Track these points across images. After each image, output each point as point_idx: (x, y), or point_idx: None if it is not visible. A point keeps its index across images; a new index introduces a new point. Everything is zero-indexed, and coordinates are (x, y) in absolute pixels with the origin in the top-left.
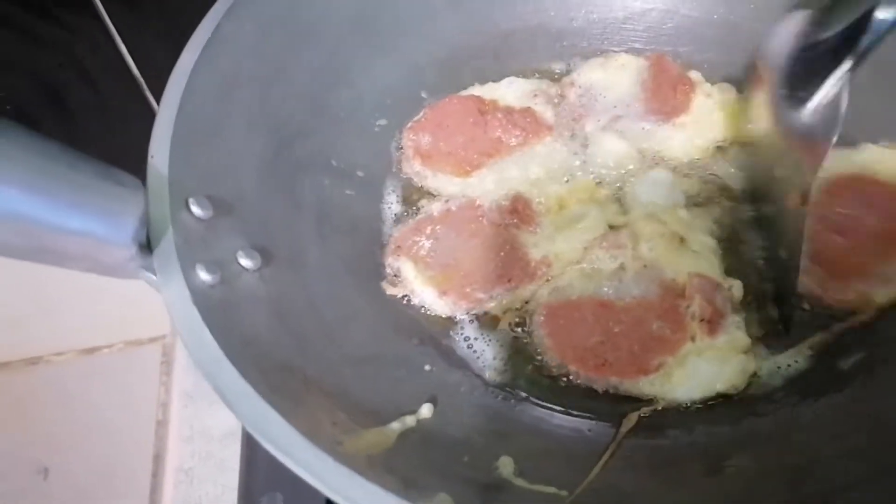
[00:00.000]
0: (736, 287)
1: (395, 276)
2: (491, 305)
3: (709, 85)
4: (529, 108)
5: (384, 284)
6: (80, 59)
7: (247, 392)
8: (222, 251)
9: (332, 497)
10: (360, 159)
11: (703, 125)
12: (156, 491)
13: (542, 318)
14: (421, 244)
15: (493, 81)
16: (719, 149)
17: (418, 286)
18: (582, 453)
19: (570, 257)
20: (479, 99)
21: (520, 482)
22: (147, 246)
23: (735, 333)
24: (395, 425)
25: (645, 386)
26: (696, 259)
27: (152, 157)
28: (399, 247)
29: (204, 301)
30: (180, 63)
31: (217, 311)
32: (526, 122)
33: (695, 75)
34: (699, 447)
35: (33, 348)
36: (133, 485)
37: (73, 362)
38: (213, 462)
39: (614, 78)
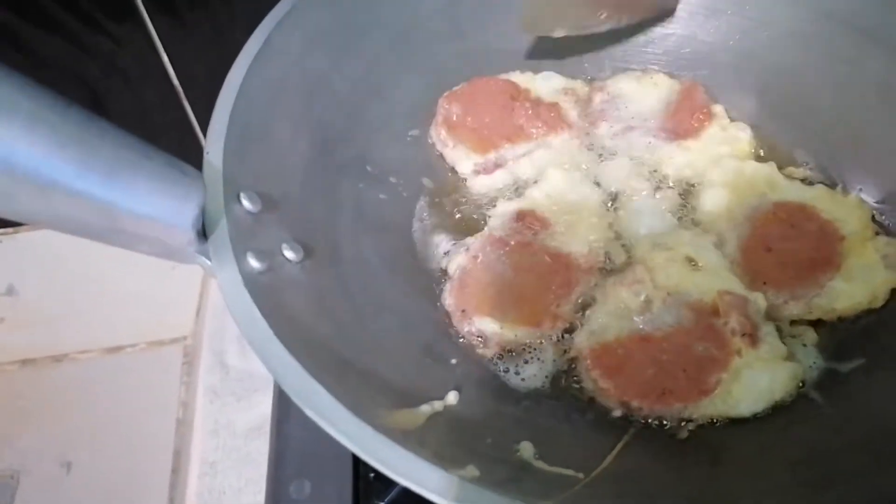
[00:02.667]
0: (759, 298)
1: (480, 337)
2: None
3: (728, 121)
4: (557, 103)
5: (479, 352)
6: (124, 68)
7: (294, 367)
8: (269, 242)
9: (375, 464)
10: (392, 166)
11: (707, 153)
12: (176, 486)
13: (588, 362)
14: (481, 297)
15: (532, 72)
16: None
17: (509, 332)
18: (599, 440)
19: (602, 242)
20: (514, 85)
21: (539, 464)
22: (203, 233)
23: (773, 342)
24: (426, 408)
25: (709, 407)
26: (714, 277)
27: (207, 153)
28: (465, 311)
29: (254, 286)
30: (234, 70)
31: (265, 296)
32: (549, 117)
33: (718, 109)
34: (707, 439)
35: (59, 346)
36: (153, 479)
37: (98, 360)
38: (237, 456)
39: (643, 92)
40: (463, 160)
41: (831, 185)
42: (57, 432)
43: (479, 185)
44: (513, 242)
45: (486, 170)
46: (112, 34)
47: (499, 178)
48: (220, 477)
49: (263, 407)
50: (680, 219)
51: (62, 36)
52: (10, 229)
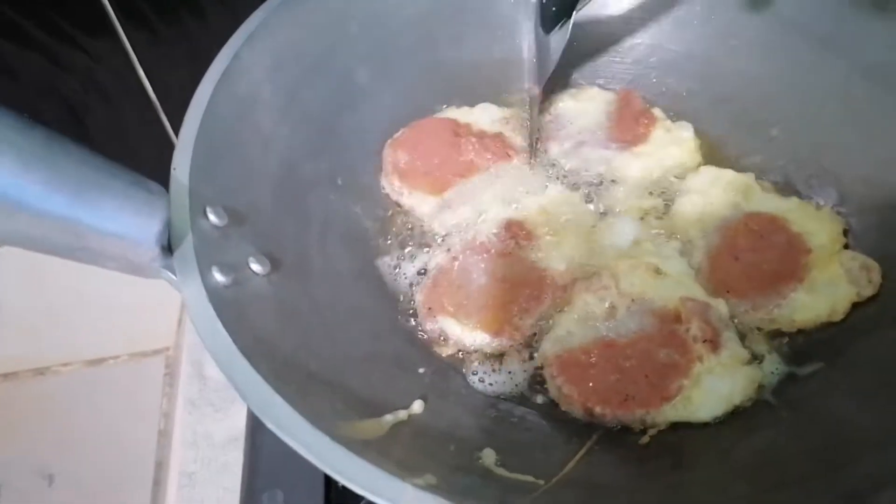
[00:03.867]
0: (721, 304)
1: (442, 336)
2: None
3: (669, 122)
4: (501, 133)
5: (436, 349)
6: (101, 84)
7: (256, 380)
8: (235, 256)
9: (330, 472)
10: (362, 178)
11: (659, 156)
12: (157, 497)
13: (553, 369)
14: (449, 298)
15: (468, 106)
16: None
17: (468, 336)
18: (562, 447)
19: (579, 258)
20: (454, 122)
21: (500, 471)
22: (168, 248)
23: (734, 347)
24: (389, 417)
25: (671, 413)
26: (677, 284)
27: (174, 168)
28: (430, 308)
29: (218, 300)
30: (202, 86)
31: (230, 309)
32: (496, 146)
33: (657, 112)
34: (668, 444)
35: (41, 359)
36: (135, 491)
37: (80, 373)
38: (215, 466)
39: (583, 108)
40: (421, 204)
41: (798, 194)
42: (39, 445)
43: (443, 222)
44: (493, 250)
45: (449, 207)
46: (88, 50)
47: (462, 213)
48: (198, 488)
49: (241, 417)
50: (651, 226)
51: (38, 52)
52: None
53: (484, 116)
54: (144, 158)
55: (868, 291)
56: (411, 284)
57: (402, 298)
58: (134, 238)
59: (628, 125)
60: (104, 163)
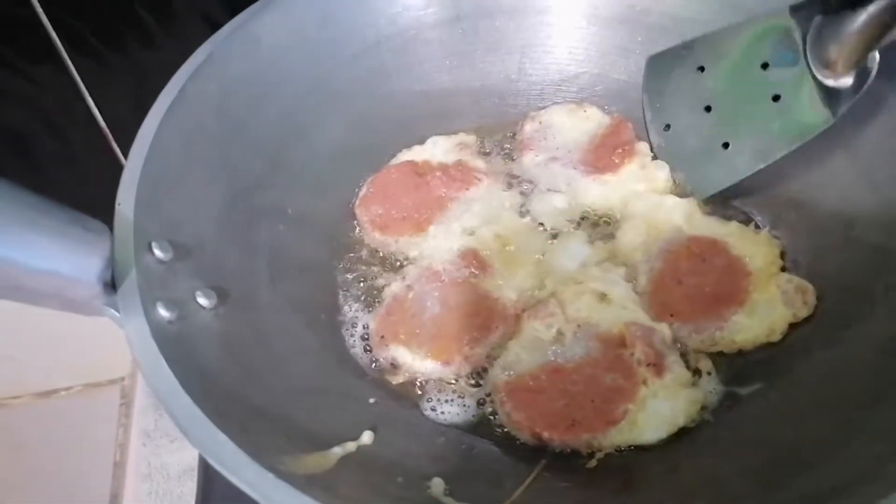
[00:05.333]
0: (664, 328)
1: (393, 365)
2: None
3: (649, 159)
4: (460, 160)
5: (387, 377)
6: (48, 112)
7: (199, 417)
8: (181, 291)
9: None
10: (314, 208)
11: (621, 188)
12: None
13: (502, 395)
14: (402, 326)
15: (419, 144)
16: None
17: (419, 364)
18: (508, 475)
19: (530, 286)
20: (412, 163)
21: (448, 500)
22: (112, 285)
23: (677, 370)
24: (337, 450)
25: (616, 436)
26: (622, 309)
27: (119, 204)
28: (383, 336)
29: (162, 336)
30: (147, 120)
31: (174, 345)
32: (462, 175)
33: (642, 146)
34: (615, 467)
35: None
36: None
37: (31, 405)
38: (170, 499)
39: (573, 125)
40: (412, 247)
41: (736, 216)
42: None
43: (436, 248)
44: (447, 279)
45: (433, 238)
46: (33, 78)
47: (453, 238)
48: None
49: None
50: (596, 251)
51: None
52: None
53: (436, 150)
54: (95, 187)
55: (803, 313)
56: (360, 314)
57: (352, 328)
58: (72, 276)
59: (604, 153)
60: (38, 202)
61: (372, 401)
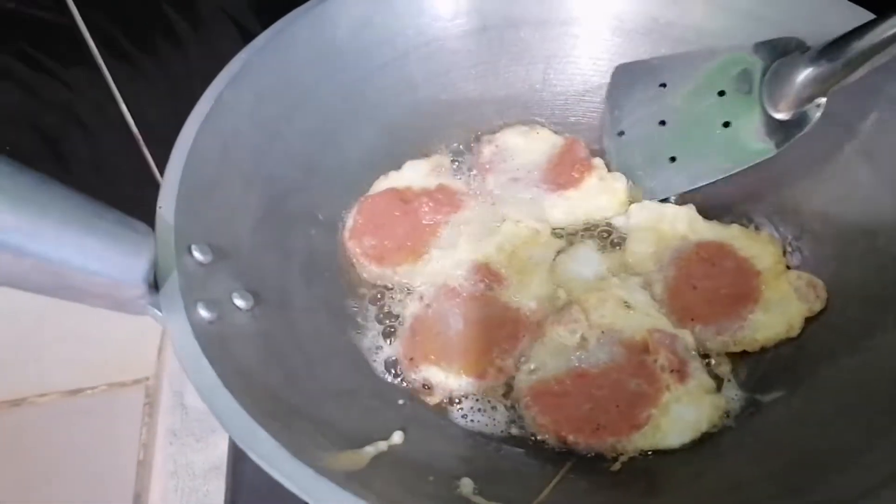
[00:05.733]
0: (687, 335)
1: (426, 386)
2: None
3: (605, 172)
4: (441, 184)
5: (424, 399)
6: (82, 116)
7: (239, 413)
8: (219, 292)
9: None
10: (345, 213)
11: (586, 203)
12: None
13: (528, 400)
14: (429, 346)
15: (395, 171)
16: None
17: (454, 382)
18: (535, 476)
19: (548, 294)
20: (394, 190)
21: (478, 499)
22: (154, 286)
23: (701, 377)
24: (369, 449)
25: (640, 440)
26: (644, 316)
27: (160, 207)
28: (412, 359)
29: (203, 335)
30: (186, 127)
31: (214, 345)
32: (447, 199)
33: (597, 162)
34: (639, 470)
35: (17, 390)
36: None
37: (57, 404)
38: (196, 497)
39: (530, 146)
40: (413, 276)
41: (744, 223)
42: (15, 477)
43: (440, 271)
44: (464, 294)
45: (431, 262)
46: (68, 83)
47: (457, 257)
48: None
49: (222, 447)
50: (608, 259)
51: (16, 85)
52: None
53: (416, 175)
54: (126, 191)
55: (818, 306)
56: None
57: (375, 355)
58: (119, 277)
59: (563, 170)
60: (90, 203)
61: (401, 402)
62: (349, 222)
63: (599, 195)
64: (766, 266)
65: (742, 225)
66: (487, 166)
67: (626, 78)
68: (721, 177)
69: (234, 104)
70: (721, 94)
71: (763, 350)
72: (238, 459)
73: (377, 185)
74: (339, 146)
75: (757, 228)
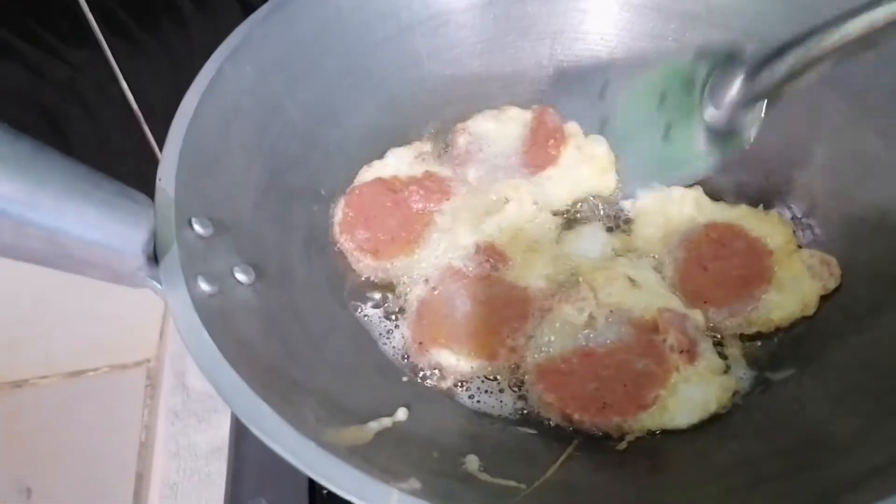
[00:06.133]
0: (697, 314)
1: (437, 370)
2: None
3: (582, 137)
4: (427, 171)
5: (434, 383)
6: (83, 94)
7: (241, 388)
8: (220, 266)
9: (317, 478)
10: (346, 189)
11: (567, 179)
12: None
13: (534, 378)
14: (438, 329)
15: (378, 160)
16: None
17: (465, 364)
18: (543, 452)
19: (555, 273)
20: (381, 180)
21: (484, 476)
22: (154, 258)
23: (710, 358)
24: (373, 425)
25: (647, 420)
26: (653, 295)
27: (160, 179)
28: (422, 343)
29: (204, 309)
30: (186, 99)
31: (215, 318)
32: (437, 186)
33: (571, 127)
34: (646, 449)
35: (19, 371)
36: (115, 503)
37: (59, 385)
38: (198, 477)
39: (503, 130)
40: (411, 268)
41: (768, 205)
42: (16, 458)
43: (443, 256)
44: (471, 275)
45: (428, 249)
46: (70, 61)
47: (457, 241)
48: (181, 498)
49: (224, 428)
50: (616, 245)
51: (18, 62)
52: None
53: (401, 163)
54: (126, 168)
55: (832, 283)
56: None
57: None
58: (118, 248)
59: (539, 148)
60: (88, 173)
61: (405, 379)
62: (338, 216)
63: (580, 166)
64: (778, 245)
65: (750, 205)
66: (466, 157)
67: (570, 79)
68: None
69: (234, 77)
70: (662, 100)
71: (777, 330)
72: (240, 439)
73: (361, 175)
74: (340, 121)
75: (766, 208)
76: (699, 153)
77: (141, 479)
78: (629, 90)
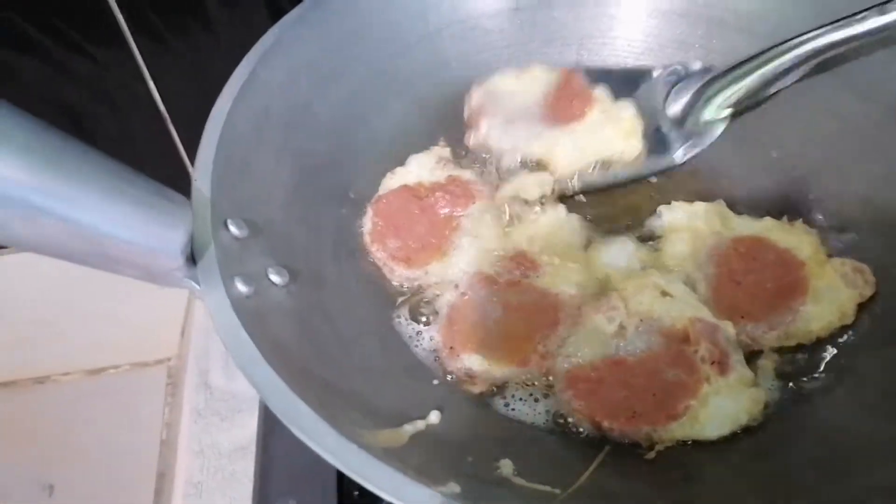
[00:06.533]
0: (728, 325)
1: (469, 375)
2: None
3: (610, 103)
4: (451, 175)
5: (468, 389)
6: (109, 93)
7: (280, 387)
8: (255, 267)
9: (359, 480)
10: (374, 192)
11: (592, 137)
12: None
13: (564, 385)
14: (469, 335)
15: (401, 166)
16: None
17: (497, 370)
18: (574, 459)
19: (586, 280)
20: (406, 187)
21: (518, 480)
22: (191, 258)
23: (741, 370)
24: (408, 427)
25: (678, 430)
26: (684, 306)
27: (195, 180)
28: (453, 348)
29: (241, 309)
30: (220, 101)
31: (252, 319)
32: (462, 190)
33: (598, 92)
34: (676, 459)
35: (41, 368)
36: (137, 501)
37: (80, 382)
38: (222, 476)
39: (524, 87)
40: (442, 274)
41: (796, 214)
42: (38, 455)
43: (467, 261)
44: (502, 281)
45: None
46: (97, 59)
47: (487, 246)
48: (205, 497)
49: (248, 427)
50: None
51: (44, 60)
52: None
53: (422, 170)
54: (150, 169)
55: (868, 291)
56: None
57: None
58: (156, 247)
59: (564, 104)
60: (128, 173)
61: (435, 382)
62: (367, 225)
63: (604, 127)
64: (807, 255)
65: (773, 216)
66: (479, 111)
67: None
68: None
69: (266, 79)
70: None
71: (818, 340)
72: (269, 437)
73: (386, 182)
74: (368, 123)
75: (790, 219)
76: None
77: (162, 478)
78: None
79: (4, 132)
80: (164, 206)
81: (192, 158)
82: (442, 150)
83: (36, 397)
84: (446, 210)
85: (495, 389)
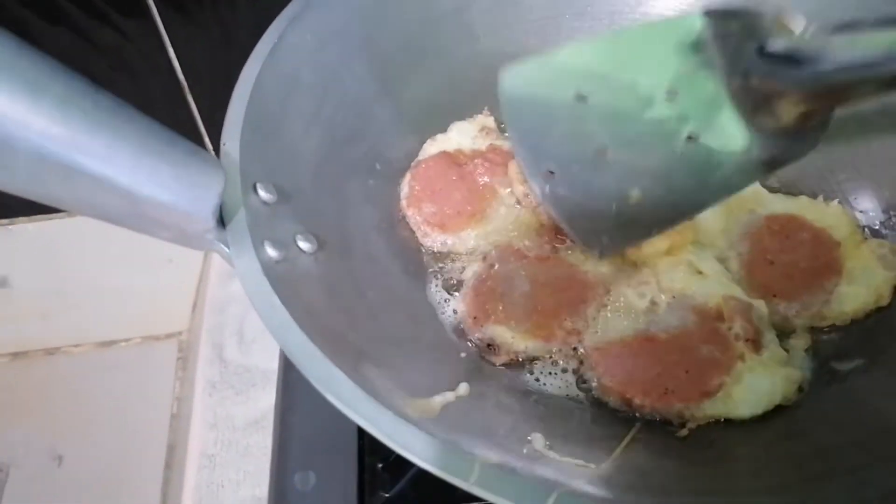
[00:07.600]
0: (761, 304)
1: (490, 345)
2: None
3: None
4: (491, 144)
5: (490, 359)
6: (130, 63)
7: (314, 353)
8: (284, 233)
9: (397, 448)
10: (401, 164)
11: None
12: (170, 481)
13: (594, 361)
14: (495, 305)
15: (441, 133)
16: None
17: (520, 343)
18: (604, 435)
19: (618, 259)
20: (446, 154)
21: (551, 454)
22: (221, 221)
23: (774, 349)
24: (438, 398)
25: (710, 408)
26: (718, 284)
27: (224, 144)
28: (476, 318)
29: (271, 273)
30: (249, 65)
31: (282, 284)
32: (503, 159)
33: None
34: (709, 438)
35: (52, 340)
36: (146, 474)
37: (91, 354)
38: (236, 449)
39: None
40: (474, 242)
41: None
42: (48, 425)
43: (499, 230)
44: (531, 255)
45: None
46: (120, 29)
47: (516, 220)
48: (218, 470)
49: (262, 400)
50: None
51: (68, 28)
52: (4, 220)
53: (464, 137)
54: None
55: None
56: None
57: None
58: (190, 208)
59: None
60: (165, 132)
61: (463, 355)
62: (404, 189)
63: None
64: (843, 236)
65: (809, 195)
66: None
67: (526, 92)
68: (696, 214)
69: (295, 45)
70: (671, 95)
71: (852, 322)
72: (287, 411)
73: (426, 148)
74: (395, 95)
75: (825, 199)
76: (742, 145)
77: (173, 450)
78: (617, 99)
79: (42, 83)
80: (198, 167)
81: (209, 131)
82: (486, 119)
83: (47, 368)
84: (485, 178)
85: (525, 364)
